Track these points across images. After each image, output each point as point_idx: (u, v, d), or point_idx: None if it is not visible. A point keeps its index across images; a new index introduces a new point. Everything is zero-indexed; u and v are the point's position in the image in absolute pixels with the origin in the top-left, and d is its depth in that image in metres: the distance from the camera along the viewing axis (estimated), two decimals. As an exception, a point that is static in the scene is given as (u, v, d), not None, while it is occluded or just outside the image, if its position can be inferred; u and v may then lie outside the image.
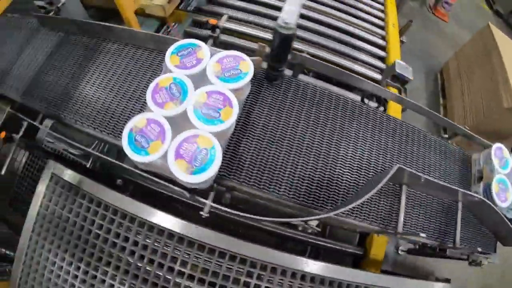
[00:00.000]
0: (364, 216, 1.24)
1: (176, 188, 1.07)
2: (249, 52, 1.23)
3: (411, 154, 1.43)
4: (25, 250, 1.34)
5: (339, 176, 1.29)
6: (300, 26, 2.21)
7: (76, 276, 1.20)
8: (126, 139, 0.97)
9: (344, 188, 1.27)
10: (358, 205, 1.20)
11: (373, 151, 1.37)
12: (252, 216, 1.08)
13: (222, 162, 0.99)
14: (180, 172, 0.93)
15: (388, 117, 1.46)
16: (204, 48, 1.15)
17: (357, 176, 1.31)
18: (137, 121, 1.00)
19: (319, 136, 1.33)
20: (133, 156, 0.96)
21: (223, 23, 1.67)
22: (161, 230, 1.17)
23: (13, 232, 2.50)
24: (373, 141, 1.39)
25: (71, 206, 1.24)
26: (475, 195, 1.24)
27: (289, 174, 1.23)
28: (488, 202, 1.23)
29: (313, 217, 1.19)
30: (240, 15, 2.16)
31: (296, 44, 2.09)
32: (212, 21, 1.60)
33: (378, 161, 1.36)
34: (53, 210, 1.30)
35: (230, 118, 1.02)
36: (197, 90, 1.06)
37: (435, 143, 1.51)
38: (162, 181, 1.09)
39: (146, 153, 0.95)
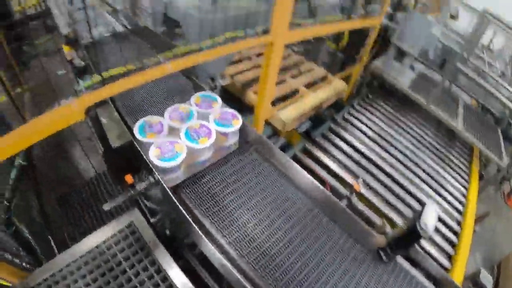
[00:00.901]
0: None
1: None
2: (369, 224, 1.43)
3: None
4: (61, 266, 1.35)
5: None
6: (383, 185, 2.32)
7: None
8: (139, 124, 1.51)
9: None
10: None
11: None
12: None
13: None
14: (153, 155, 1.37)
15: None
16: (218, 101, 1.71)
17: None
18: (153, 119, 1.55)
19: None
20: (136, 134, 1.46)
21: (359, 188, 1.92)
22: None
23: (44, 223, 2.51)
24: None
25: (134, 263, 1.28)
26: None
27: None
28: None
29: None
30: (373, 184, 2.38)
31: (378, 204, 2.20)
32: (356, 187, 1.84)
33: None
34: (113, 254, 1.34)
35: (204, 144, 1.47)
36: (197, 120, 1.58)
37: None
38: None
39: (144, 136, 1.46)
